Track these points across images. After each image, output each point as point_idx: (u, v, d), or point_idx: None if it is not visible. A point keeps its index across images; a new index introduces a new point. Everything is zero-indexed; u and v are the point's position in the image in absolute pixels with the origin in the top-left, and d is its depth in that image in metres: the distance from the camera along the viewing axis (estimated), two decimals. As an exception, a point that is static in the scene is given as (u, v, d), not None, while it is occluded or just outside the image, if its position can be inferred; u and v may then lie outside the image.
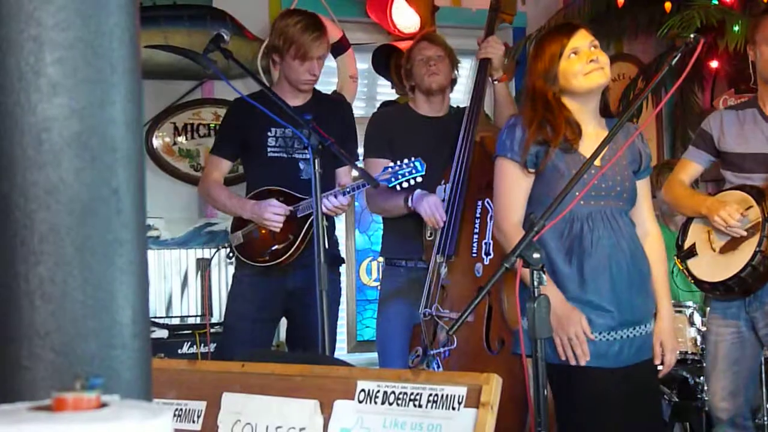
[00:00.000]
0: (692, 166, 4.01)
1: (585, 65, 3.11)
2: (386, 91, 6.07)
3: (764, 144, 3.84)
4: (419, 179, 3.82)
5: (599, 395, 3.07)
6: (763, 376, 4.11)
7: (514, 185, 3.17)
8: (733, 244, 3.77)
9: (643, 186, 3.30)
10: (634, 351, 3.13)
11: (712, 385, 3.93)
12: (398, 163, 3.81)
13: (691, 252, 3.92)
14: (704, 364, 4.01)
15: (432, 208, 3.94)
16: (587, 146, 3.11)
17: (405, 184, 3.82)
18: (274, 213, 4.01)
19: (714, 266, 3.82)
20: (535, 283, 2.51)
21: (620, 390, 3.09)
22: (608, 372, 3.08)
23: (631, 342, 3.12)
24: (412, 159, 3.79)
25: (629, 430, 3.10)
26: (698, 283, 3.92)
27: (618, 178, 3.16)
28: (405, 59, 4.37)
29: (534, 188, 3.17)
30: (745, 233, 3.73)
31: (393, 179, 3.80)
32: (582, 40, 3.14)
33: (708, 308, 4.09)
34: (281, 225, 4.03)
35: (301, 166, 4.14)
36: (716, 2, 5.57)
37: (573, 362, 3.01)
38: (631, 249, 3.15)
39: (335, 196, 3.88)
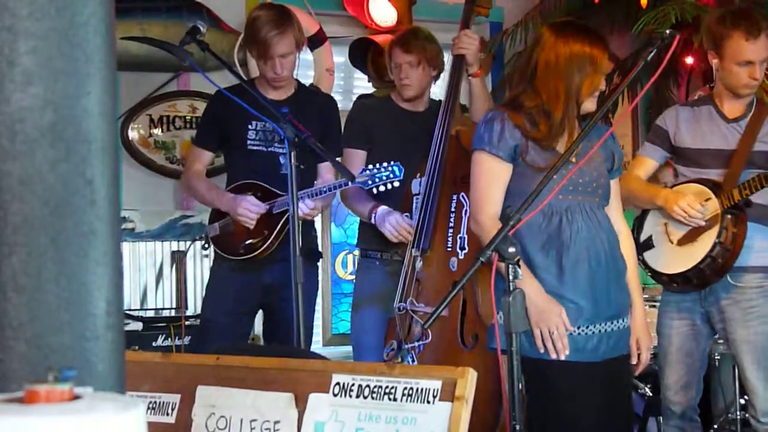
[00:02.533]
0: (648, 162, 4.04)
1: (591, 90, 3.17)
2: (363, 85, 6.07)
3: (721, 140, 3.88)
4: (397, 184, 3.78)
5: (575, 389, 3.07)
6: (736, 371, 4.14)
7: (492, 178, 3.17)
8: (691, 235, 3.81)
9: (614, 185, 3.32)
10: (612, 346, 3.14)
11: (665, 379, 3.94)
12: (377, 166, 3.76)
13: (648, 244, 3.95)
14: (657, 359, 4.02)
15: (395, 228, 3.98)
16: (563, 145, 3.13)
17: (382, 188, 3.77)
18: (247, 209, 4.00)
19: (672, 258, 3.86)
20: (511, 277, 2.51)
21: (596, 384, 3.10)
22: (585, 366, 3.09)
23: (609, 336, 3.13)
24: (392, 163, 3.74)
25: (604, 424, 3.12)
26: (655, 275, 3.96)
27: (594, 173, 3.17)
28: (388, 58, 4.36)
29: (511, 183, 3.17)
30: (704, 223, 3.77)
31: (370, 182, 3.73)
32: (607, 65, 3.18)
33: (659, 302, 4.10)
34: (254, 222, 4.01)
35: (281, 160, 4.12)
36: (693, -1, 5.59)
37: (553, 356, 3.01)
38: (610, 242, 3.17)
39: (302, 200, 3.82)
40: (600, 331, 3.11)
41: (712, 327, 3.91)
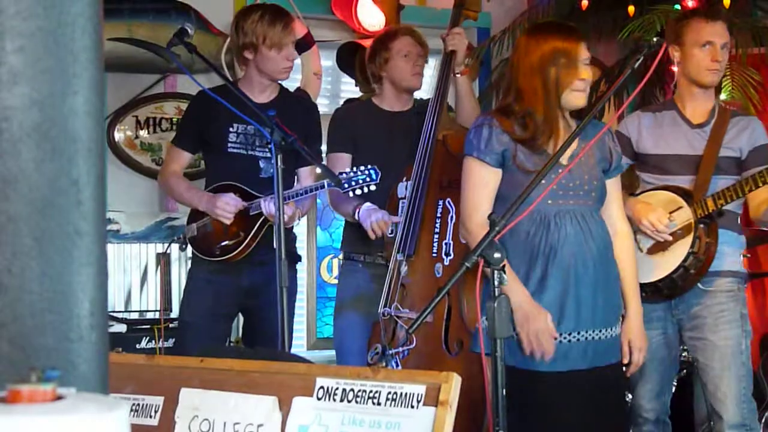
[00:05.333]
0: None
1: (577, 82, 3.14)
2: (350, 89, 6.07)
3: (686, 146, 3.87)
4: (373, 187, 3.76)
5: (555, 398, 3.07)
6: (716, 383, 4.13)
7: (480, 185, 3.18)
8: (662, 245, 3.77)
9: (613, 185, 3.31)
10: (600, 354, 3.13)
11: (638, 388, 3.91)
12: (354, 169, 3.75)
13: None
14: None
15: (375, 225, 3.96)
16: (554, 147, 3.13)
17: (358, 191, 3.76)
18: (226, 203, 3.98)
19: (642, 267, 3.74)
20: (496, 283, 2.51)
21: (581, 393, 3.10)
22: (568, 374, 3.09)
23: (596, 344, 3.12)
24: (368, 167, 3.73)
25: None
26: None
27: (585, 176, 3.16)
28: (381, 48, 4.29)
29: (501, 188, 3.18)
30: (670, 239, 3.74)
31: (346, 185, 3.73)
32: (583, 53, 3.15)
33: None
34: (232, 217, 4.00)
35: (261, 164, 4.12)
36: (678, 7, 5.61)
37: (537, 358, 3.01)
38: (599, 250, 3.15)
39: (275, 203, 3.80)
40: (586, 338, 3.11)
41: (681, 335, 3.90)
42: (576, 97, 3.15)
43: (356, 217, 4.05)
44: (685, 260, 3.72)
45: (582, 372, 3.11)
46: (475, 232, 3.14)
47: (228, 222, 4.00)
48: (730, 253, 3.84)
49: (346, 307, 4.24)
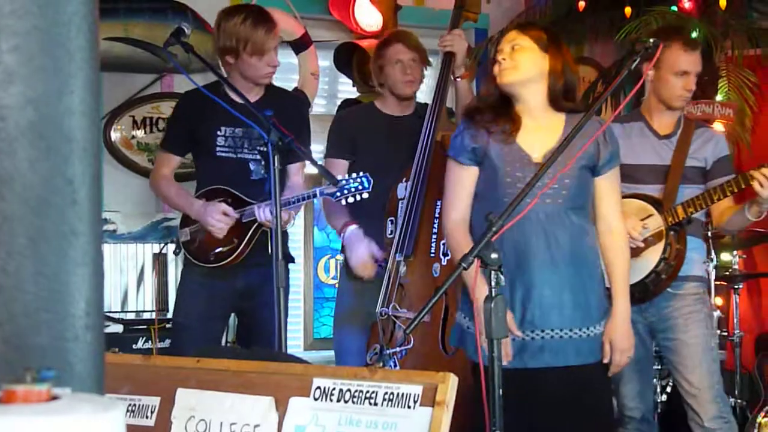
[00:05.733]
0: None
1: (496, 67, 3.20)
2: (347, 89, 6.07)
3: (654, 156, 3.99)
4: (366, 195, 3.74)
5: (519, 395, 3.03)
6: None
7: (457, 184, 3.25)
8: (634, 251, 3.79)
9: (604, 181, 3.25)
10: (572, 353, 3.11)
11: (621, 389, 4.00)
12: (346, 177, 3.73)
13: None
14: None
15: (358, 261, 4.01)
16: (527, 139, 3.17)
17: (351, 199, 3.73)
18: (217, 219, 3.96)
19: None
20: (493, 283, 2.51)
21: (544, 391, 3.10)
22: (533, 372, 3.09)
23: (564, 344, 3.10)
24: (361, 174, 3.70)
25: (564, 429, 3.11)
26: None
27: (558, 176, 3.13)
28: (377, 56, 4.29)
29: (479, 186, 3.22)
30: (643, 245, 3.83)
31: (338, 193, 3.69)
32: (502, 44, 3.22)
33: None
34: (224, 232, 3.98)
35: (251, 166, 4.09)
36: (675, 8, 5.62)
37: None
38: (564, 252, 3.12)
39: (270, 207, 3.77)
40: (552, 337, 3.09)
41: (654, 337, 4.03)
42: (498, 74, 3.19)
43: (341, 237, 4.08)
44: (657, 266, 3.84)
45: (550, 370, 3.10)
46: (451, 230, 3.20)
47: (220, 236, 3.98)
48: (697, 260, 4.01)
49: (346, 312, 4.24)
